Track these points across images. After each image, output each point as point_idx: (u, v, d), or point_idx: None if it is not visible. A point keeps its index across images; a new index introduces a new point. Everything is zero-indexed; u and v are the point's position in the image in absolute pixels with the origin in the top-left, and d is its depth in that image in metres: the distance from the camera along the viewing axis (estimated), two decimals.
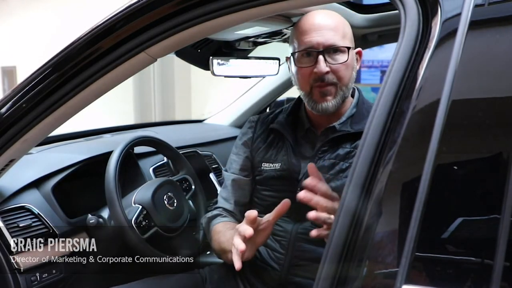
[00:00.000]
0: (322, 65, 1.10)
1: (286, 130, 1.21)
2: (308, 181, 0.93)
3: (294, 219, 1.17)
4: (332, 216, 0.91)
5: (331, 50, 1.11)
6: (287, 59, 1.22)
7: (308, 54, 1.12)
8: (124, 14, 0.89)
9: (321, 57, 1.10)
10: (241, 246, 0.97)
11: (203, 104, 5.00)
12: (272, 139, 1.24)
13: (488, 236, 0.51)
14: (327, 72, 1.10)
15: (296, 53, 1.14)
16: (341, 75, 1.12)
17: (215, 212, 1.31)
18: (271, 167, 1.21)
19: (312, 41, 1.11)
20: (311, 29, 1.12)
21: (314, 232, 0.94)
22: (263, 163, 1.23)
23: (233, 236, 1.03)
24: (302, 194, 0.92)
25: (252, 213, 0.98)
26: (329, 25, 1.12)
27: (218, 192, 1.39)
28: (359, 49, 1.19)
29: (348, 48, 1.12)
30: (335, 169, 1.13)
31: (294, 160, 1.18)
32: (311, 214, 0.91)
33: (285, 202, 1.01)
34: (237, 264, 0.97)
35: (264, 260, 1.20)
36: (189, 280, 1.29)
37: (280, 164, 1.19)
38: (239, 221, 1.16)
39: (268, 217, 1.04)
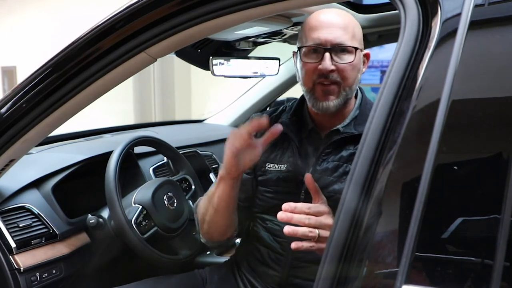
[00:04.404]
0: (328, 63, 1.08)
1: (291, 130, 1.19)
2: (285, 206, 0.95)
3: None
4: (316, 231, 0.94)
5: (339, 49, 1.10)
6: (294, 54, 1.21)
7: (315, 50, 1.11)
8: (124, 14, 0.89)
9: (327, 55, 1.09)
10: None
11: (203, 104, 5.00)
12: (276, 139, 1.20)
13: (488, 236, 0.51)
14: (332, 71, 1.09)
15: (303, 48, 1.12)
16: (346, 75, 1.11)
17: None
18: (276, 168, 1.19)
19: (320, 38, 1.10)
20: (320, 26, 1.11)
21: (293, 245, 0.95)
22: (267, 164, 1.21)
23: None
24: (280, 215, 0.95)
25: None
26: (339, 23, 1.11)
27: None
28: (367, 51, 1.18)
29: (356, 48, 1.11)
30: (338, 171, 1.12)
31: (299, 162, 1.16)
32: (286, 229, 0.94)
33: (278, 127, 1.06)
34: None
35: (265, 260, 1.20)
36: (189, 280, 1.29)
37: (285, 165, 1.18)
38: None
39: (261, 140, 1.08)
